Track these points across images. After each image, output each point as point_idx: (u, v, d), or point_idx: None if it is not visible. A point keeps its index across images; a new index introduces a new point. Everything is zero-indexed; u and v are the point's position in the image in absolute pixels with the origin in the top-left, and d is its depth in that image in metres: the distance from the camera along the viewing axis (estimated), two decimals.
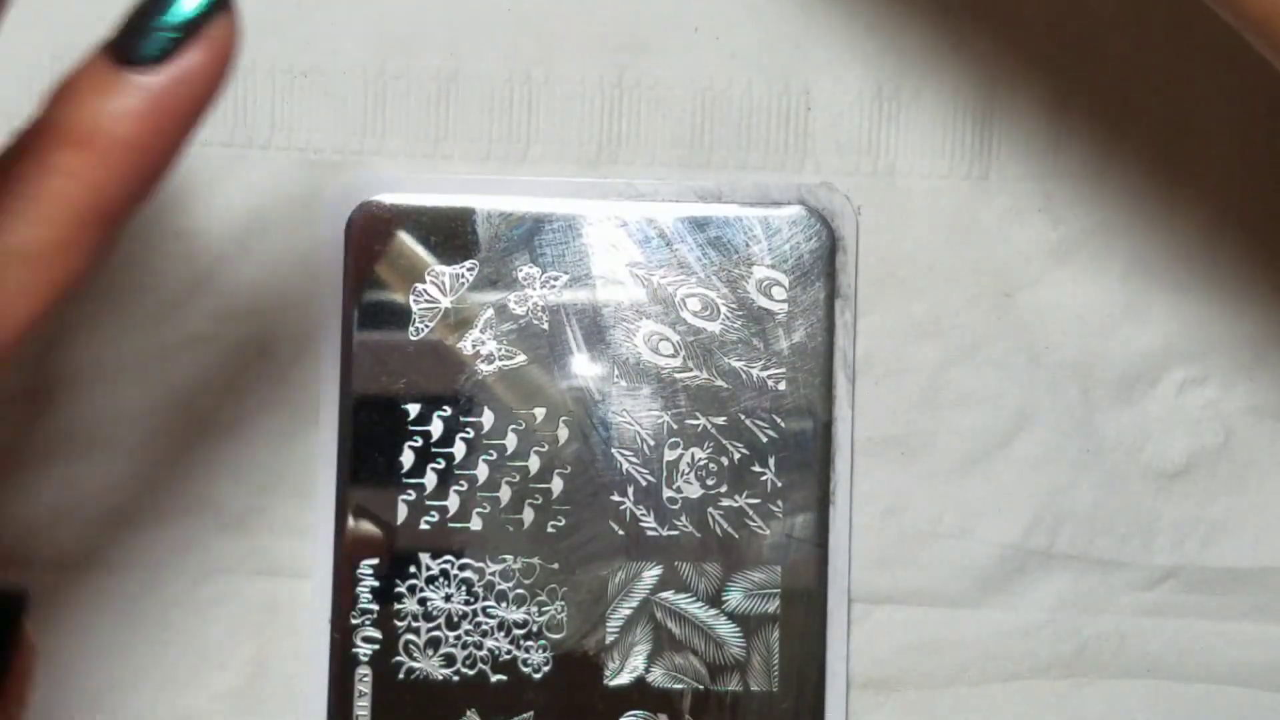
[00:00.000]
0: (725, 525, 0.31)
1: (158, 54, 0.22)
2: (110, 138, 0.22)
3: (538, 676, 0.31)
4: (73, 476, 0.31)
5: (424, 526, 0.31)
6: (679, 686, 0.31)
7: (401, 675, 0.30)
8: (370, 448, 0.31)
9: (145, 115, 0.22)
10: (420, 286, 0.31)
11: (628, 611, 0.31)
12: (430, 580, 0.31)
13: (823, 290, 0.31)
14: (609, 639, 0.31)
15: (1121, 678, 0.32)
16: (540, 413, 0.31)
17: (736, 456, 0.31)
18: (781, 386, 0.31)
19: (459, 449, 0.31)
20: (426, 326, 0.31)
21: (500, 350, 0.31)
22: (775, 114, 0.31)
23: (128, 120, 0.22)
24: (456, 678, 0.31)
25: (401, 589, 0.31)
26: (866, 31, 0.31)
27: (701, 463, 0.31)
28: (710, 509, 0.31)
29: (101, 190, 0.22)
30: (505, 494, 0.31)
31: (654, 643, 0.31)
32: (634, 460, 0.31)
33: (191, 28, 0.22)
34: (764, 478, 0.31)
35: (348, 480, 0.31)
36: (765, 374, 0.31)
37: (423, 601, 0.31)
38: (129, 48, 0.22)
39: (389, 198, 0.31)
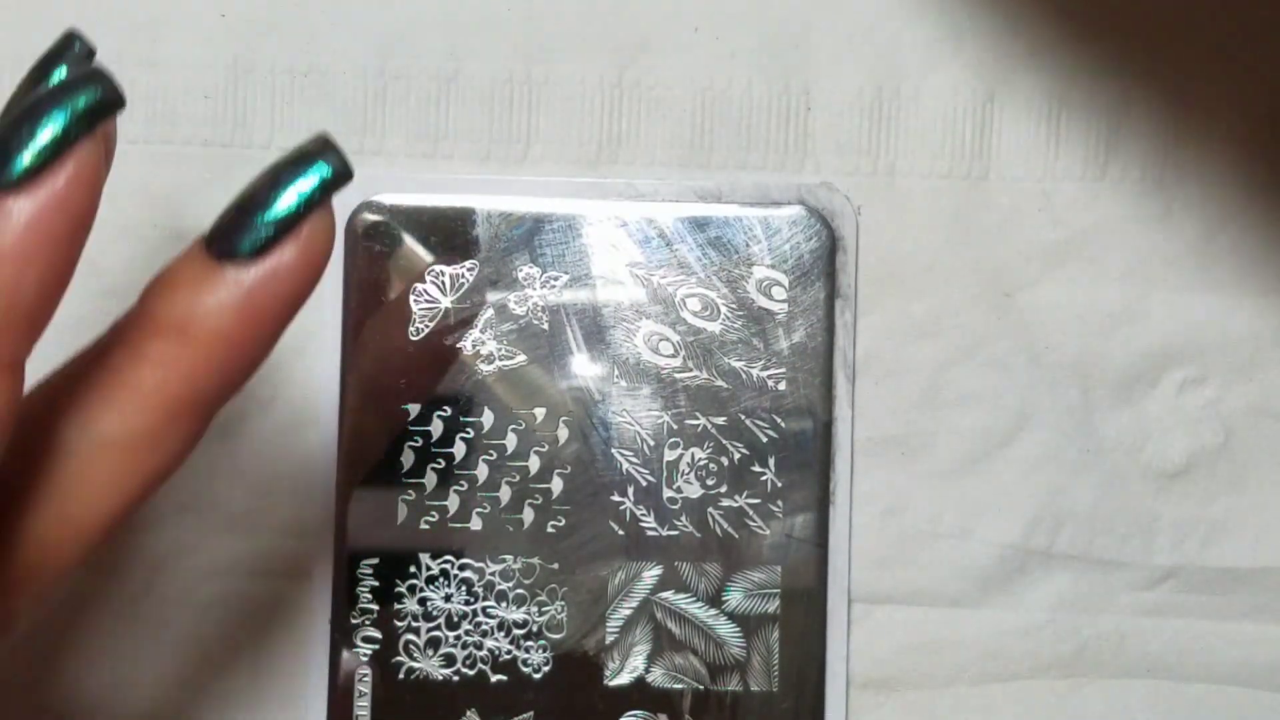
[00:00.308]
0: (725, 525, 0.31)
1: (253, 250, 0.22)
2: (204, 329, 0.22)
3: (538, 676, 0.31)
4: None
5: (424, 526, 0.31)
6: (679, 686, 0.31)
7: (401, 675, 0.30)
8: (369, 447, 0.31)
9: (239, 309, 0.22)
10: (420, 286, 0.31)
11: (628, 611, 0.31)
12: (430, 580, 0.31)
13: (823, 290, 0.31)
14: (609, 639, 0.31)
15: (1121, 678, 0.32)
16: (540, 413, 0.31)
17: (736, 456, 0.31)
18: (781, 386, 0.31)
19: (459, 449, 0.31)
20: (426, 326, 0.31)
21: (500, 350, 0.31)
22: (775, 114, 0.31)
23: (222, 313, 0.22)
24: (456, 678, 0.31)
25: (401, 589, 0.31)
26: (866, 31, 0.31)
27: (701, 463, 0.31)
28: (710, 509, 0.31)
29: (194, 381, 0.22)
30: (505, 494, 0.31)
31: (654, 643, 0.31)
32: (634, 460, 0.31)
33: (288, 225, 0.22)
34: (764, 478, 0.31)
35: (348, 480, 0.31)
36: (765, 374, 0.31)
37: (423, 601, 0.31)
38: (226, 242, 0.22)
39: (389, 198, 0.31)
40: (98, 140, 0.22)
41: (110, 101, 0.22)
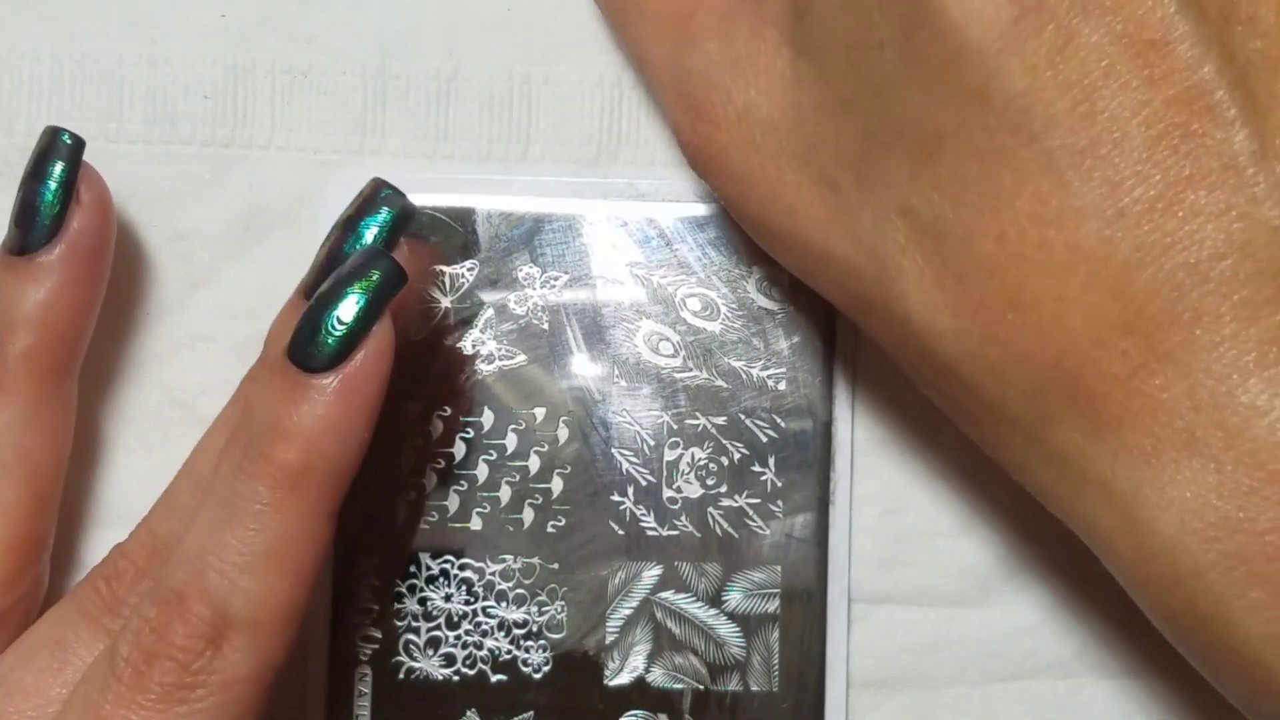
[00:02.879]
0: (725, 525, 0.31)
1: (337, 359, 0.25)
2: (316, 455, 0.25)
3: (538, 676, 0.31)
4: (73, 477, 0.31)
5: (424, 526, 0.31)
6: (679, 686, 0.31)
7: (401, 675, 0.30)
8: (370, 448, 0.31)
9: (333, 411, 0.25)
10: (420, 286, 0.31)
11: (628, 611, 0.31)
12: (430, 580, 0.31)
13: None
14: (609, 639, 0.31)
15: (1121, 677, 0.32)
16: (540, 413, 0.31)
17: (736, 456, 0.31)
18: (781, 386, 0.31)
19: (459, 449, 0.31)
20: (426, 326, 0.31)
21: (500, 350, 0.31)
22: None
23: (320, 417, 0.25)
24: (456, 678, 0.31)
25: (401, 589, 0.31)
26: None
27: (701, 463, 0.31)
28: (710, 509, 0.31)
29: (319, 486, 0.26)
30: (505, 494, 0.31)
31: (654, 643, 0.31)
32: (634, 460, 0.31)
33: (356, 334, 0.25)
34: (764, 478, 0.31)
35: None
36: (765, 374, 0.31)
37: (423, 601, 0.31)
38: (305, 356, 0.26)
39: None
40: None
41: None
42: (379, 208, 0.27)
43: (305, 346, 0.25)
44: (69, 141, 0.28)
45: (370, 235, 0.27)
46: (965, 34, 0.21)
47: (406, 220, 0.27)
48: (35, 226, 0.28)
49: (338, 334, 0.25)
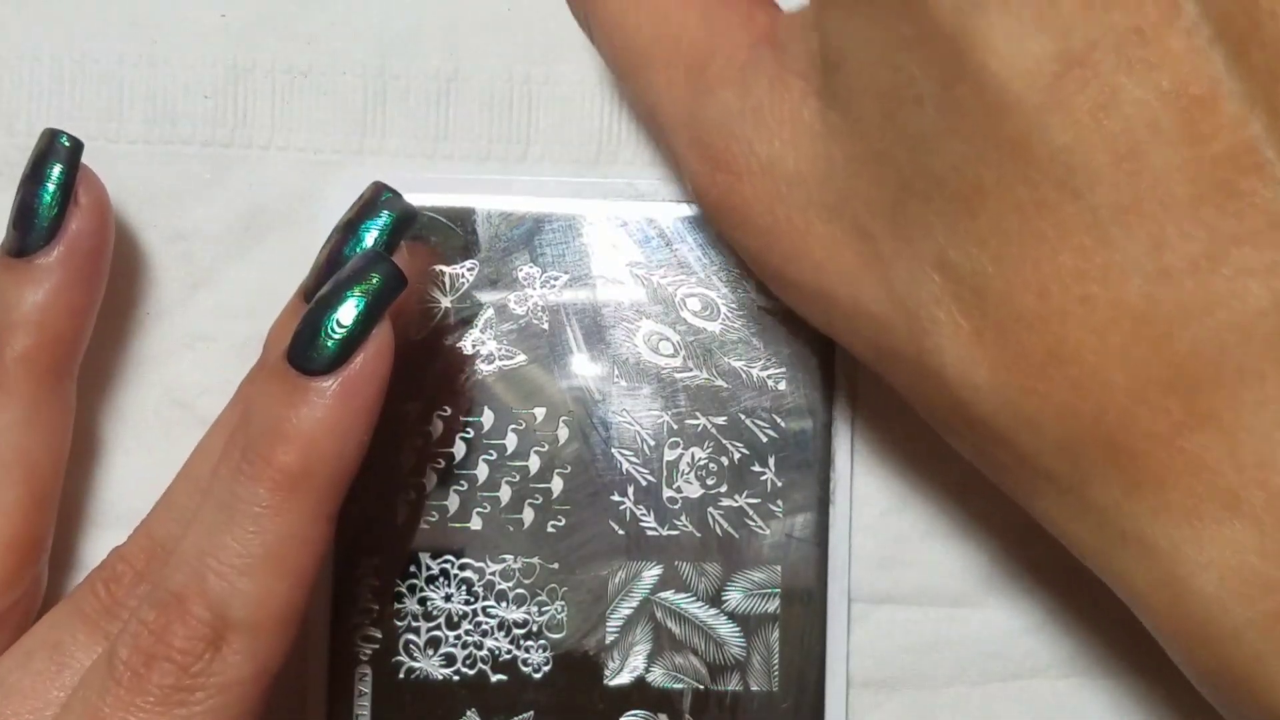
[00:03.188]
0: (725, 525, 0.31)
1: (338, 362, 0.25)
2: (318, 453, 0.25)
3: (538, 676, 0.31)
4: (72, 477, 0.31)
5: (424, 526, 0.31)
6: (679, 686, 0.31)
7: (401, 675, 0.30)
8: (370, 448, 0.31)
9: (333, 414, 0.25)
10: (420, 286, 0.31)
11: (628, 611, 0.31)
12: (430, 580, 0.31)
13: None
14: (609, 639, 0.31)
15: (1122, 678, 0.32)
16: (540, 413, 0.31)
17: (736, 456, 0.31)
18: (781, 386, 0.31)
19: (459, 449, 0.31)
20: (426, 326, 0.31)
21: (500, 350, 0.31)
22: None
23: (326, 419, 0.25)
24: (456, 677, 0.31)
25: (401, 589, 0.31)
26: None
27: (701, 462, 0.31)
28: (710, 509, 0.31)
29: (319, 489, 0.26)
30: (505, 494, 0.31)
31: (654, 642, 0.31)
32: (634, 460, 0.31)
33: (355, 337, 0.25)
34: (764, 477, 0.31)
35: None
36: (765, 374, 0.31)
37: (423, 601, 0.31)
38: (305, 359, 0.25)
39: None
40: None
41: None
42: (379, 211, 0.27)
43: (305, 349, 0.25)
44: (67, 144, 0.28)
45: (370, 238, 0.27)
46: (1008, 88, 0.21)
47: (407, 224, 0.27)
48: (33, 228, 0.28)
49: (337, 337, 0.25)
